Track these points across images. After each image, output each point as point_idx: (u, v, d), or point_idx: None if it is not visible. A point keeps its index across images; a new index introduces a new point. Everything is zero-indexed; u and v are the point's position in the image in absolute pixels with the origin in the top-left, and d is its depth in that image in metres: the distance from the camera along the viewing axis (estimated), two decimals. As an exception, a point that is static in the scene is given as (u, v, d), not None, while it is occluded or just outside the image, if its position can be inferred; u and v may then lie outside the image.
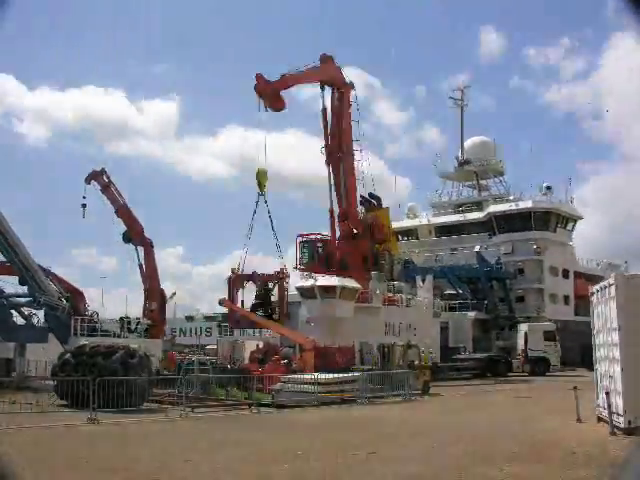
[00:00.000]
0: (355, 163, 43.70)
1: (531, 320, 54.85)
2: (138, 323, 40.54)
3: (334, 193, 43.05)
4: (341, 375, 26.02)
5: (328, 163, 43.24)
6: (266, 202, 40.51)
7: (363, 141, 44.92)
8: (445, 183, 73.93)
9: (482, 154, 69.94)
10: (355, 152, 43.86)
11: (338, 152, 42.97)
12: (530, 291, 60.22)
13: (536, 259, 60.31)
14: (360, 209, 46.86)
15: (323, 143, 43.29)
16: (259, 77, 38.64)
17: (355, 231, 44.85)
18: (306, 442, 14.17)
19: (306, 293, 43.36)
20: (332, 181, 43.23)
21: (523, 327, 48.85)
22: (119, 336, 37.10)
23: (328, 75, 42.45)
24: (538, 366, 45.47)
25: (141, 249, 41.91)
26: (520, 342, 47.63)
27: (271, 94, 39.14)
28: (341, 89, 42.98)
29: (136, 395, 20.53)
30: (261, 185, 40.19)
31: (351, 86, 43.95)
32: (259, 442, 14.38)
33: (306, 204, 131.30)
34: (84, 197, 41.22)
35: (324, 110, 42.90)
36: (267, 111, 39.04)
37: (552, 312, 58.20)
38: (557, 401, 23.19)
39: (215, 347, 38.02)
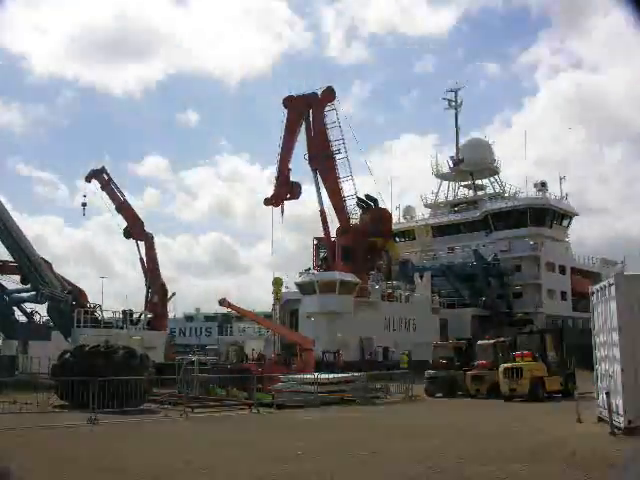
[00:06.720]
0: (338, 167, 47.92)
1: (529, 316, 54.81)
2: (141, 315, 40.47)
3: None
4: (341, 375, 26.06)
5: (312, 169, 48.66)
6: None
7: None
8: (441, 183, 74.02)
9: (477, 154, 69.87)
10: (337, 155, 47.80)
11: (318, 158, 47.84)
12: (527, 287, 60.28)
13: (533, 255, 60.38)
14: (357, 211, 48.92)
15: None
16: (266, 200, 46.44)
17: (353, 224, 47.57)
18: (306, 442, 14.16)
19: (305, 288, 43.41)
20: (320, 184, 48.50)
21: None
22: (122, 328, 36.99)
23: (298, 112, 47.94)
24: None
25: (142, 244, 42.11)
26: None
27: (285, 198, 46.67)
28: (312, 106, 48.35)
29: (136, 395, 20.49)
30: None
31: (322, 97, 48.36)
32: (259, 442, 14.37)
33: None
34: (84, 196, 41.63)
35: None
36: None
37: (550, 308, 58.32)
38: (557, 401, 23.27)
39: (216, 347, 37.98)
